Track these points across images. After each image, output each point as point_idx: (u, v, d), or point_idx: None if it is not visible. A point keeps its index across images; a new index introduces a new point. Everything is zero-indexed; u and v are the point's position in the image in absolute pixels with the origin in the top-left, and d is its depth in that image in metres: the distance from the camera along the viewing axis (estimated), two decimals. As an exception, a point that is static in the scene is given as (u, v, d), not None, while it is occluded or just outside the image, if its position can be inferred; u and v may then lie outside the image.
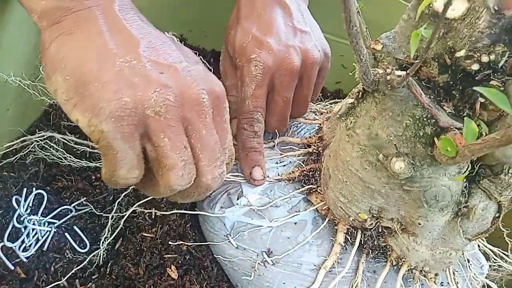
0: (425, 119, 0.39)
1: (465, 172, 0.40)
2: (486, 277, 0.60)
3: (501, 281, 0.63)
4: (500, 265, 0.62)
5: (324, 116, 0.60)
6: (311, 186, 0.53)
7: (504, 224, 0.68)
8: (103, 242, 0.54)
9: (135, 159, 0.39)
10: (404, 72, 0.37)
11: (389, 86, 0.39)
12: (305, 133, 0.61)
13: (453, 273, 0.52)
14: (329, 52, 0.59)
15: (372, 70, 0.40)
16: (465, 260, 0.55)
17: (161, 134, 0.39)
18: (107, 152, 0.38)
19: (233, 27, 0.59)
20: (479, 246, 0.62)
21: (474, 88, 0.30)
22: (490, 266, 0.62)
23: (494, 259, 0.61)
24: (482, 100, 0.41)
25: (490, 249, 0.62)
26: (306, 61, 0.55)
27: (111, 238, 0.55)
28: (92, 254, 0.54)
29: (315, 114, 0.63)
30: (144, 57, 0.40)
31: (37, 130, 0.59)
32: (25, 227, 0.55)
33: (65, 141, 0.58)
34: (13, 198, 0.55)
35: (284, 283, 0.48)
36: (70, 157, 0.58)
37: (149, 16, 0.46)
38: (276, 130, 0.59)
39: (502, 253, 0.65)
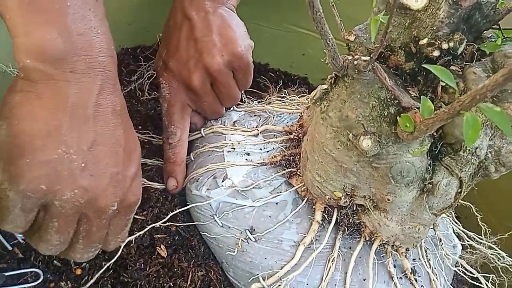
0: (389, 100, 0.43)
1: (423, 147, 0.43)
2: (461, 258, 0.63)
3: (476, 263, 0.66)
4: (474, 248, 0.65)
5: (305, 106, 0.64)
6: (291, 169, 0.56)
7: (478, 209, 0.72)
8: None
9: (23, 223, 0.41)
10: (369, 57, 0.41)
11: (356, 70, 0.42)
12: (287, 122, 0.64)
13: (425, 251, 0.55)
14: (240, 52, 0.60)
15: (342, 56, 0.43)
16: (437, 239, 0.58)
17: (54, 219, 0.41)
18: (1, 206, 0.39)
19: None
20: (453, 230, 0.66)
21: (424, 65, 0.33)
22: (463, 247, 0.65)
23: (467, 240, 0.64)
24: (443, 84, 0.45)
25: (464, 232, 0.65)
26: (208, 71, 0.60)
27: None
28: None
29: (298, 105, 0.67)
30: (85, 156, 0.41)
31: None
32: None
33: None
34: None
35: (265, 258, 0.52)
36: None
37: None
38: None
39: (477, 236, 0.68)
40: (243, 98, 0.75)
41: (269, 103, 0.72)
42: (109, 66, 0.43)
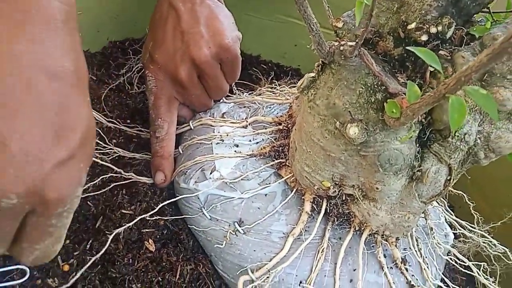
0: (376, 86, 0.42)
1: (411, 133, 0.42)
2: (453, 247, 0.63)
3: (468, 252, 0.66)
4: (466, 236, 0.64)
5: (295, 96, 0.63)
6: (280, 160, 0.55)
7: (470, 197, 0.71)
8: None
9: None
10: (354, 42, 0.40)
11: (342, 56, 0.42)
12: (277, 113, 0.63)
13: (416, 240, 0.55)
14: (227, 44, 0.59)
15: (328, 43, 0.43)
16: (429, 229, 0.58)
17: None
18: None
19: None
20: (446, 218, 0.65)
21: (408, 47, 0.32)
22: (456, 236, 0.64)
23: (459, 229, 0.64)
24: (432, 69, 0.44)
25: (455, 221, 0.65)
26: (195, 63, 0.59)
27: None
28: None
29: (288, 96, 0.66)
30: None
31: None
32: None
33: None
34: None
35: (254, 250, 0.51)
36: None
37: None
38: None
39: (469, 225, 0.68)
40: (234, 90, 0.74)
41: (259, 94, 0.71)
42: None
